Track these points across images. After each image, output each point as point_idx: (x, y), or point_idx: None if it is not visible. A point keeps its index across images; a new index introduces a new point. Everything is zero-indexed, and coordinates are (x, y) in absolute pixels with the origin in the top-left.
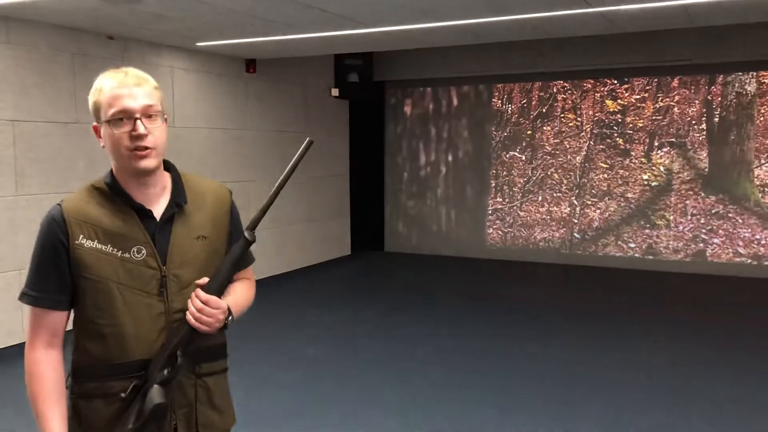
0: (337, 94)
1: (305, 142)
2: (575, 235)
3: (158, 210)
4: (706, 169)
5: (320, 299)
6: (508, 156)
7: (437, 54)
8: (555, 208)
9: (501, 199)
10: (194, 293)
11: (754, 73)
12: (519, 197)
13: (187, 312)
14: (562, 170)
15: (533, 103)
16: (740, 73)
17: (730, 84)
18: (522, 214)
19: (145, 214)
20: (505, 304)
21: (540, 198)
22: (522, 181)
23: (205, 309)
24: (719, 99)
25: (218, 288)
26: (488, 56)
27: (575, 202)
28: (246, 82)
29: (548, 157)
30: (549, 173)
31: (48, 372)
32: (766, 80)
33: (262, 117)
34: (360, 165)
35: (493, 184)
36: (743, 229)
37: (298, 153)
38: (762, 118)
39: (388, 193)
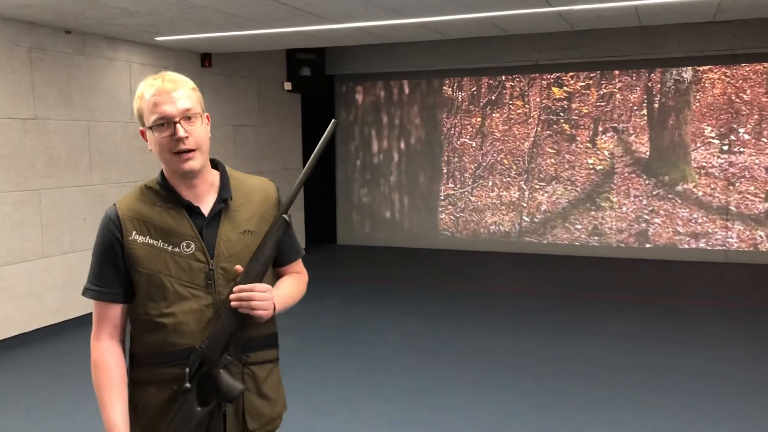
0: (290, 88)
1: (331, 123)
2: (524, 218)
3: (206, 206)
4: (648, 153)
5: None
6: (459, 143)
7: (388, 48)
8: (505, 193)
9: (453, 185)
10: (239, 286)
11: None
12: (470, 183)
13: (232, 299)
14: (511, 156)
15: (483, 90)
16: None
17: (668, 72)
18: (473, 199)
19: (193, 210)
20: (461, 290)
21: (490, 183)
22: (473, 167)
23: (255, 294)
24: (659, 86)
25: (258, 271)
26: (439, 51)
27: (524, 187)
28: (201, 76)
29: (498, 144)
30: (499, 159)
31: (111, 363)
32: (701, 68)
33: (218, 111)
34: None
35: (445, 171)
36: (682, 209)
37: (325, 134)
38: (698, 104)
39: (340, 185)
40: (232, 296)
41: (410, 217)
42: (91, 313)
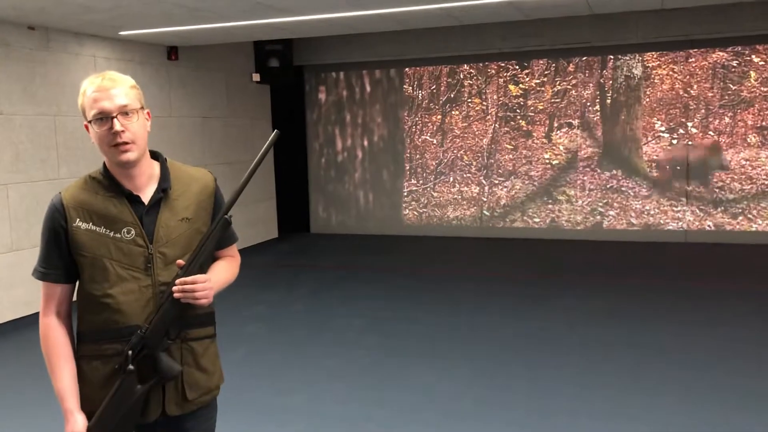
0: (258, 80)
1: (273, 133)
2: (485, 212)
3: (146, 195)
4: (601, 147)
5: (252, 281)
6: (420, 140)
7: (356, 39)
8: (465, 188)
9: (415, 181)
10: (182, 279)
11: (640, 57)
12: (432, 179)
13: (175, 291)
14: (471, 152)
15: (442, 89)
16: (632, 56)
17: (619, 68)
18: (435, 194)
19: (134, 199)
20: (426, 277)
21: (451, 179)
22: (434, 163)
23: (197, 286)
24: (610, 82)
25: (200, 266)
26: (402, 41)
27: (484, 182)
28: (168, 70)
29: (458, 140)
30: (459, 155)
31: (58, 335)
32: (650, 64)
33: (186, 104)
34: (284, 149)
35: (408, 167)
36: (635, 201)
37: (266, 144)
38: (648, 100)
39: (312, 175)
40: (175, 288)
41: (375, 213)
42: None
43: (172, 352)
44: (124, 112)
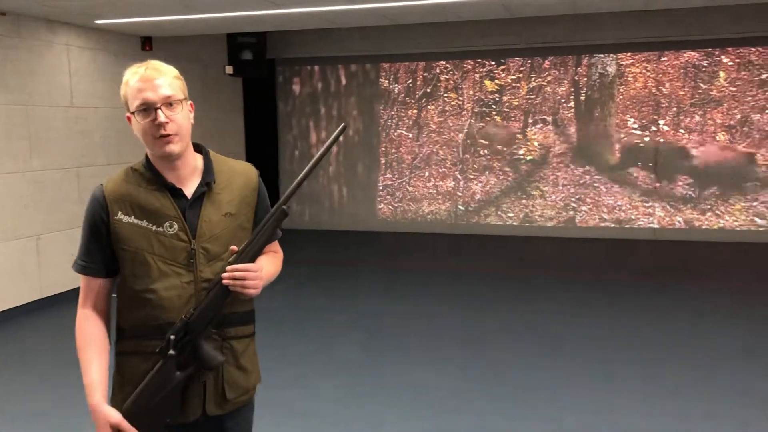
0: (232, 72)
1: (339, 127)
2: (459, 207)
3: (189, 189)
4: (575, 144)
5: None
6: (396, 134)
7: (331, 33)
8: (441, 183)
9: (390, 175)
10: (234, 266)
11: (614, 56)
12: (407, 173)
13: (225, 278)
14: (447, 147)
15: (418, 83)
16: (608, 55)
17: (594, 66)
18: (410, 189)
19: (177, 192)
20: (403, 272)
21: (427, 173)
22: (410, 157)
23: (248, 274)
24: (585, 79)
25: (254, 254)
26: (378, 36)
27: (459, 177)
28: (142, 60)
29: (433, 135)
30: (434, 150)
31: (92, 327)
32: (624, 62)
33: None
34: (255, 143)
35: (383, 161)
36: (607, 197)
37: (333, 136)
38: (621, 97)
39: (284, 170)
40: (225, 275)
41: (349, 207)
42: (37, 300)
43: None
44: (168, 103)
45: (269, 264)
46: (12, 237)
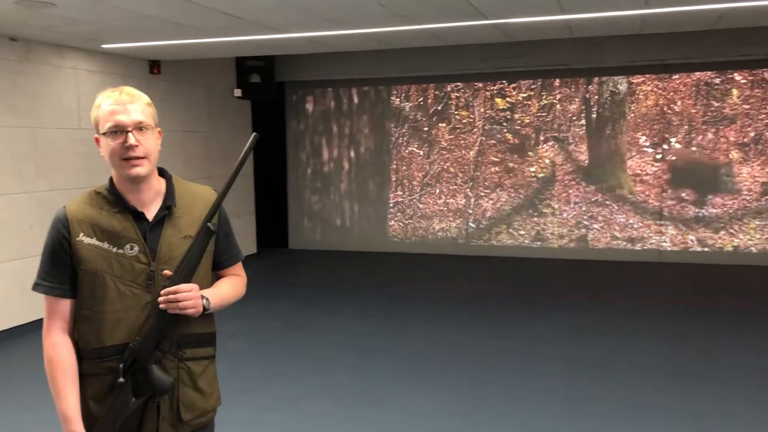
0: (240, 95)
1: (252, 136)
2: (470, 224)
3: (151, 212)
4: (586, 161)
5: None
6: (407, 151)
7: (338, 56)
8: (451, 200)
9: (401, 193)
10: (167, 289)
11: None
12: (418, 190)
13: (160, 301)
14: (457, 164)
15: (429, 101)
16: (614, 78)
17: (605, 84)
18: (421, 206)
19: (138, 215)
20: (409, 294)
21: (437, 191)
22: (420, 175)
23: (180, 296)
24: (596, 97)
25: (185, 275)
26: (387, 59)
27: (470, 194)
28: (150, 83)
29: (444, 152)
30: (445, 167)
31: (64, 355)
32: (635, 80)
33: (167, 118)
34: (263, 164)
35: (394, 179)
36: (619, 215)
37: (246, 148)
38: (632, 115)
39: (292, 190)
40: (160, 299)
41: (360, 225)
42: (39, 319)
43: (168, 370)
44: (140, 127)
45: (229, 287)
46: (17, 257)
